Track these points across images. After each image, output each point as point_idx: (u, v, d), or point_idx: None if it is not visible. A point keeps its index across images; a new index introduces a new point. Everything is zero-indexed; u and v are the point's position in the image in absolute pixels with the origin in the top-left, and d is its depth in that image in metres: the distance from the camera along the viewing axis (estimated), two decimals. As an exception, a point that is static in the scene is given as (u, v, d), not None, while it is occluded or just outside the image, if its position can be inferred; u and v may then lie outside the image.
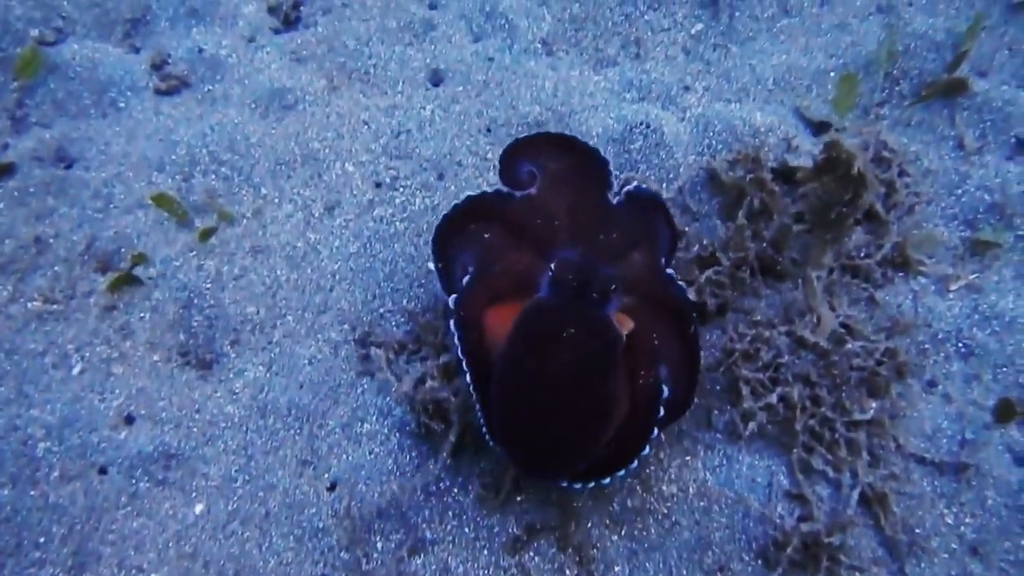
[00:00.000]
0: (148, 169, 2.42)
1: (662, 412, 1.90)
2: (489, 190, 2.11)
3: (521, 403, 1.82)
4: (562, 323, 1.81)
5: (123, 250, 2.33)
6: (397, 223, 2.42)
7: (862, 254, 2.40)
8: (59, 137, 2.47)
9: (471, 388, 1.90)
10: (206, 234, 2.31)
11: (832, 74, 2.73)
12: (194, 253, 2.33)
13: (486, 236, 2.03)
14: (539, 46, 2.77)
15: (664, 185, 2.51)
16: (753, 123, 2.54)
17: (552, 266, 1.89)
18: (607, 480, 1.90)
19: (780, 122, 2.57)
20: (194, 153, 2.43)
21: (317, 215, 2.42)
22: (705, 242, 2.37)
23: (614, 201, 2.11)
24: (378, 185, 2.48)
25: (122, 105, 2.52)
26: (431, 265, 2.10)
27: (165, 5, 2.69)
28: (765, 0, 2.84)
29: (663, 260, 2.06)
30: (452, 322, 1.93)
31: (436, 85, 2.67)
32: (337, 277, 2.34)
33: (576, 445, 1.83)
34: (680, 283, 2.03)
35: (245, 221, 2.39)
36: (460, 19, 2.80)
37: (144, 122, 2.49)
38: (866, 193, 2.18)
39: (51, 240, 2.32)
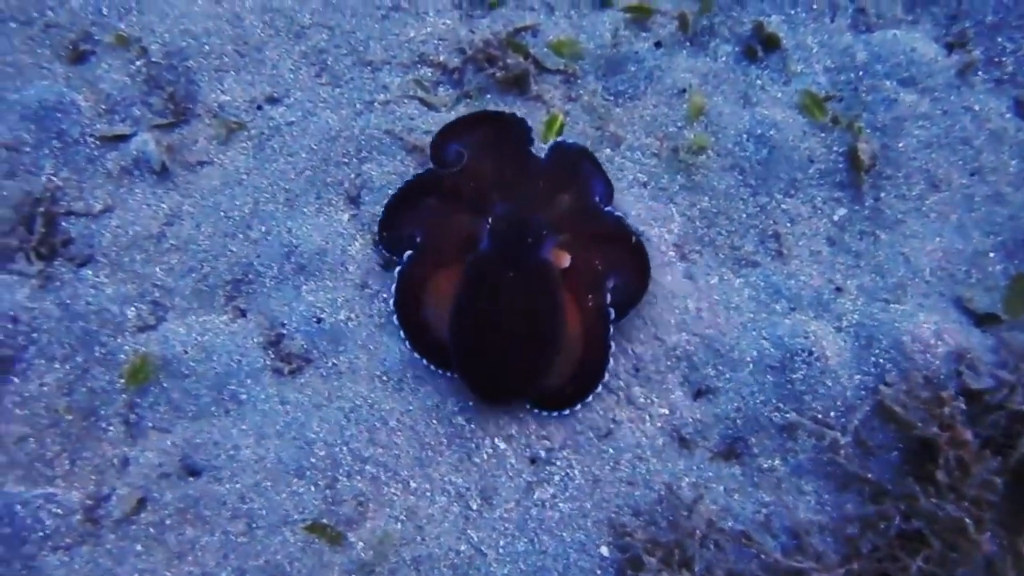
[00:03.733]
0: (286, 475, 2.21)
1: (621, 305, 2.29)
2: (426, 170, 2.44)
3: (476, 342, 2.18)
4: (503, 269, 2.17)
5: (276, 580, 2.13)
6: (560, 504, 2.24)
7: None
8: (182, 444, 2.25)
9: (403, 337, 2.28)
10: (365, 567, 2.11)
11: (992, 255, 2.51)
12: (355, 578, 2.13)
13: (427, 211, 2.35)
14: (672, 253, 2.53)
15: (832, 415, 2.31)
16: (921, 336, 2.33)
17: (489, 221, 2.21)
18: (588, 399, 2.26)
19: (945, 323, 2.36)
20: (334, 454, 2.22)
21: (475, 507, 2.23)
22: (903, 506, 2.18)
23: (539, 154, 2.44)
24: (533, 461, 2.28)
25: (244, 397, 2.30)
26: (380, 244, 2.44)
27: (267, 262, 2.44)
28: (912, 176, 2.59)
29: (595, 199, 2.38)
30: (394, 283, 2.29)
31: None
32: (509, 583, 2.15)
33: (529, 370, 2.20)
34: (613, 212, 2.40)
35: (400, 525, 2.19)
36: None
37: (271, 415, 2.27)
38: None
39: (198, 581, 2.12)
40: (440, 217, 2.35)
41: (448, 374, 2.31)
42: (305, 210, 2.51)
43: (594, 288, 2.25)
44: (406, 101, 2.67)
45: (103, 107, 2.61)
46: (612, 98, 2.73)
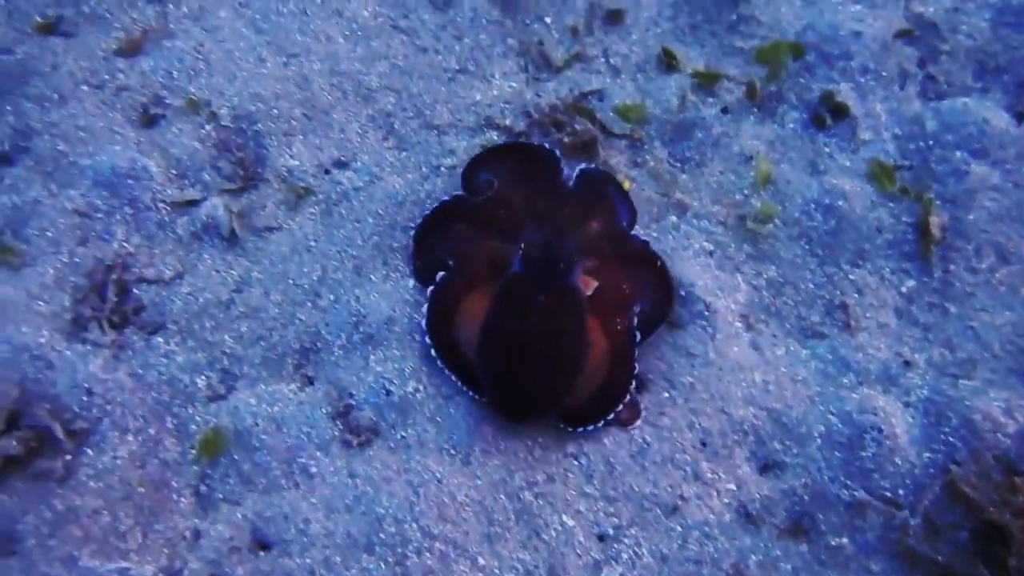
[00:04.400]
0: (356, 551, 2.22)
1: (647, 326, 2.38)
2: (456, 196, 2.51)
3: (505, 361, 2.25)
4: (533, 292, 2.25)
5: (348, 659, 2.14)
6: (628, 584, 2.23)
7: None
8: (253, 517, 2.27)
9: (436, 357, 2.34)
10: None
11: (1059, 329, 2.48)
12: (426, 659, 2.14)
13: (458, 235, 2.42)
14: (739, 324, 2.52)
15: (901, 493, 2.29)
16: (991, 414, 2.32)
17: (522, 245, 2.29)
18: (610, 416, 2.31)
19: (1016, 400, 2.35)
20: (404, 530, 2.23)
21: (543, 586, 2.23)
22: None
23: (568, 182, 2.51)
24: (601, 538, 2.29)
25: (314, 470, 2.31)
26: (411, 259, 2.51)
27: (336, 331, 2.45)
28: (982, 248, 2.56)
29: (623, 224, 2.48)
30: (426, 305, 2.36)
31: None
32: (577, 664, 2.15)
33: (555, 390, 2.26)
34: (638, 236, 2.50)
35: (469, 604, 2.20)
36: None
37: (340, 488, 2.29)
38: None
39: (271, 661, 2.14)
40: (471, 241, 2.42)
41: (476, 395, 2.36)
42: (372, 277, 2.52)
43: (622, 310, 2.35)
44: (472, 165, 2.67)
45: (173, 172, 2.63)
46: (678, 164, 2.72)
